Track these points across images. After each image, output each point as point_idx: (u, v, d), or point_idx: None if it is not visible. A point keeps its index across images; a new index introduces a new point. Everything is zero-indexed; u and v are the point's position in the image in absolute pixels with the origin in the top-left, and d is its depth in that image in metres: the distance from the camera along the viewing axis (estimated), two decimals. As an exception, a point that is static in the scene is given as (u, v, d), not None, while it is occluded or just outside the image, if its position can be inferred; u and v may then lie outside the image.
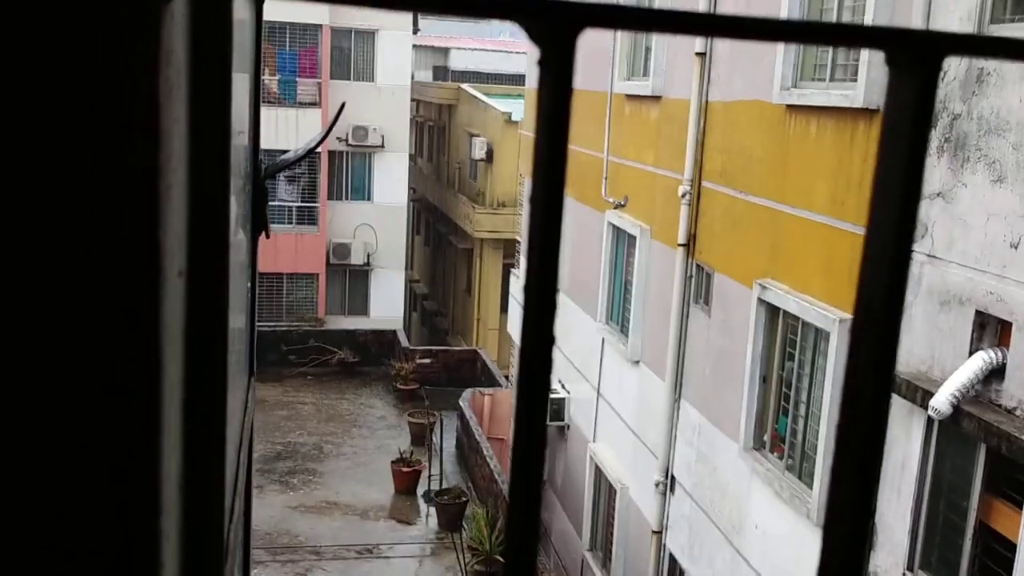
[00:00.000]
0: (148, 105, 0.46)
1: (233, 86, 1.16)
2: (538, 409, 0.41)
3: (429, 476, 17.43)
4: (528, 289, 0.32)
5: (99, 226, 0.48)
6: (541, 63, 0.32)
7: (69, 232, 0.48)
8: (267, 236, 2.21)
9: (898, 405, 6.83)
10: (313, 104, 25.21)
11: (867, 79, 7.33)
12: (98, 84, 0.45)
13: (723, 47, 10.06)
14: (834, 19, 8.15)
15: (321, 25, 25.17)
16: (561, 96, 0.31)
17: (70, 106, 0.46)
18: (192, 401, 0.67)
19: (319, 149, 25.07)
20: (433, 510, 16.70)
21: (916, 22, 6.78)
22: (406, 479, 17.48)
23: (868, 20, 7.35)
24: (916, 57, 0.33)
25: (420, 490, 17.53)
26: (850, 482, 0.47)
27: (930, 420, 6.44)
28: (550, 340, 0.36)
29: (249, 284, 2.11)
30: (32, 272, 0.49)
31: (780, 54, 8.62)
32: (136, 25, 0.45)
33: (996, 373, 5.95)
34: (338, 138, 25.49)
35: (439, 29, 45.67)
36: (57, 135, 0.46)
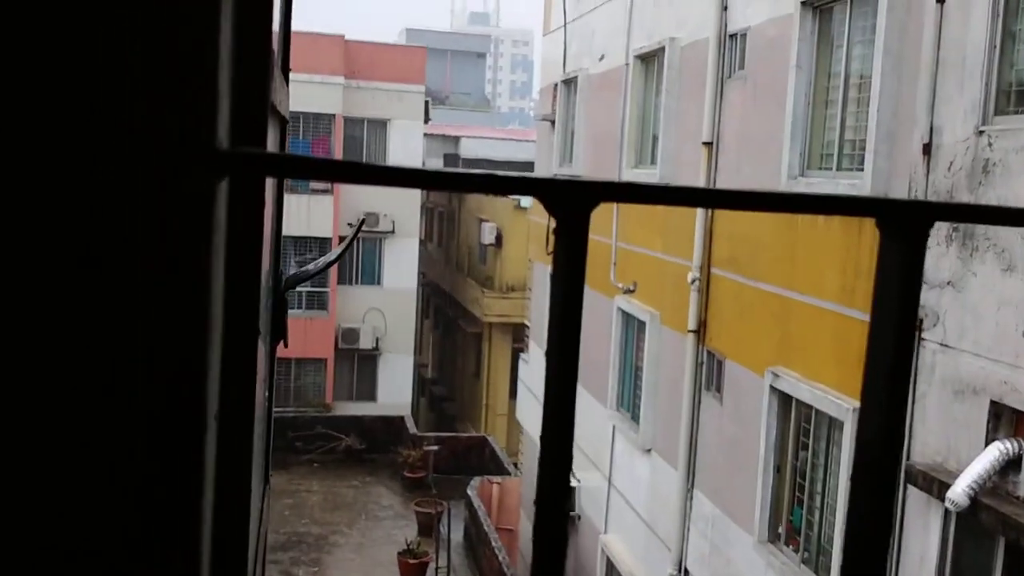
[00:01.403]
0: (198, 273, 0.48)
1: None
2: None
3: (436, 568, 17.07)
4: (543, 447, 0.33)
5: (153, 379, 0.50)
6: (557, 231, 0.34)
7: (129, 388, 0.50)
8: (286, 346, 2.24)
9: (915, 497, 6.71)
10: (325, 191, 25.60)
11: (873, 168, 7.42)
12: (153, 259, 0.48)
13: (730, 136, 10.22)
14: (839, 112, 8.29)
15: (334, 115, 25.73)
16: (576, 258, 0.33)
17: (131, 283, 0.49)
18: (219, 542, 0.69)
19: (330, 234, 25.36)
20: (441, 604, 16.32)
21: (920, 114, 6.89)
22: (413, 572, 17.11)
23: (872, 112, 7.48)
24: (905, 223, 0.35)
25: (428, 583, 17.17)
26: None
27: (947, 512, 6.32)
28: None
29: (267, 393, 2.13)
30: (94, 426, 0.51)
31: (787, 142, 8.75)
32: (192, 203, 0.48)
33: (1013, 464, 5.86)
34: (349, 224, 25.80)
35: (450, 118, 46.62)
36: (122, 305, 0.50)
